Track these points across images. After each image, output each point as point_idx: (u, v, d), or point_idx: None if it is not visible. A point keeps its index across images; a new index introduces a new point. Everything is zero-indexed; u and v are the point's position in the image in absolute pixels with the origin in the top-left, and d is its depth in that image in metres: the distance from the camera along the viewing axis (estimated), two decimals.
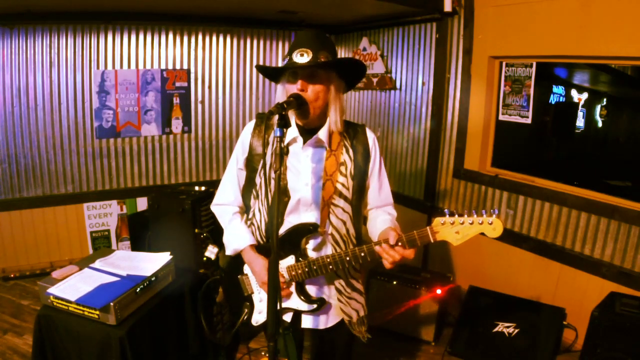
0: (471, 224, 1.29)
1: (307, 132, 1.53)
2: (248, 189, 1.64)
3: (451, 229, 1.31)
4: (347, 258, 1.45)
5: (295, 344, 1.81)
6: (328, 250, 1.57)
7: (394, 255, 1.35)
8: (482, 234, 1.29)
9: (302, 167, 1.53)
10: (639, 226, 2.46)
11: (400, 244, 1.35)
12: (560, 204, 2.82)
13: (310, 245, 1.57)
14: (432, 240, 1.33)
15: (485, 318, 2.71)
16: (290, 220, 1.56)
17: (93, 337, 1.82)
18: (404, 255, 1.35)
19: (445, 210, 1.32)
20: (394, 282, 2.92)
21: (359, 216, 1.62)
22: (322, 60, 1.41)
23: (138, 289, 1.95)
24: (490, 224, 1.27)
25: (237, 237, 1.62)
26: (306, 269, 1.51)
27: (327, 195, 1.53)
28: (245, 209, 1.70)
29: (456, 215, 1.30)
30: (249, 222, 1.67)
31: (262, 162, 1.55)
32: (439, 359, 2.71)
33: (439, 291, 2.82)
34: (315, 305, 1.56)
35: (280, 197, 1.53)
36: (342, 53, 4.62)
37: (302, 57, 1.41)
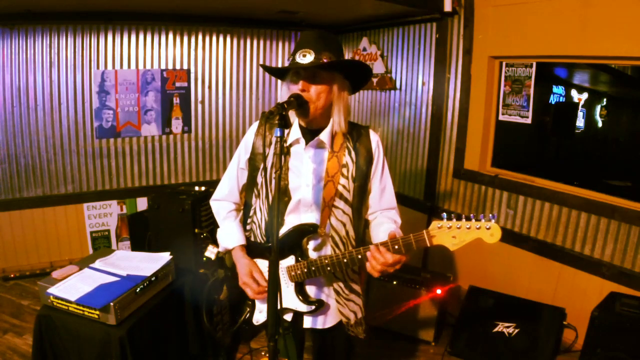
0: (468, 229, 1.27)
1: (310, 133, 1.53)
2: (250, 187, 1.65)
3: (448, 234, 1.29)
4: (345, 260, 1.45)
5: (296, 343, 1.81)
6: (328, 251, 1.57)
7: (379, 259, 1.34)
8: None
9: (304, 167, 1.53)
10: (639, 226, 2.46)
11: (396, 247, 1.34)
12: (560, 204, 2.82)
13: (311, 245, 1.57)
14: (428, 245, 1.31)
15: (485, 318, 2.71)
16: (289, 221, 1.56)
17: (93, 337, 1.82)
18: (392, 261, 1.34)
19: (443, 214, 1.30)
20: (394, 282, 2.92)
21: (360, 219, 1.61)
22: (324, 61, 1.41)
23: (138, 289, 1.95)
24: (488, 229, 1.25)
25: (228, 236, 1.65)
26: (305, 270, 1.51)
27: (328, 196, 1.52)
28: (247, 208, 1.71)
29: (454, 220, 1.28)
30: (249, 220, 1.67)
31: (263, 160, 1.55)
32: (439, 359, 2.71)
33: (439, 291, 2.82)
34: (313, 307, 1.56)
35: (281, 197, 1.53)
36: None
37: (304, 58, 1.41)
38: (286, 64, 1.53)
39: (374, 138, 1.61)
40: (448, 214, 1.30)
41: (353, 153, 1.55)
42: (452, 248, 1.30)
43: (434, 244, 1.31)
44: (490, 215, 1.26)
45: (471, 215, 1.28)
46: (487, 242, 1.26)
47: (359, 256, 1.42)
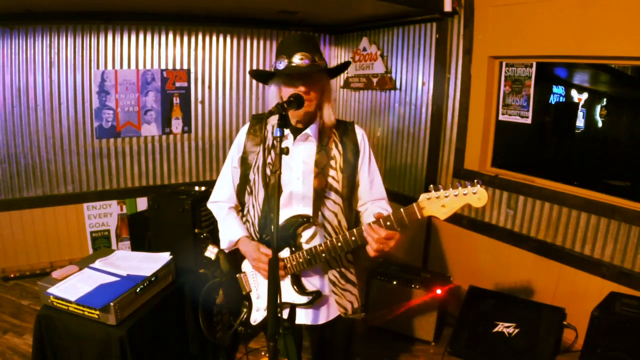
0: (456, 196, 1.29)
1: (297, 129, 1.60)
2: (242, 186, 1.70)
3: (437, 203, 1.31)
4: (339, 244, 1.48)
5: (295, 343, 1.81)
6: (321, 241, 1.59)
7: (373, 235, 1.36)
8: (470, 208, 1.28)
9: (294, 162, 1.58)
10: (639, 226, 2.46)
11: (388, 223, 1.36)
12: (560, 204, 2.82)
13: (304, 237, 1.60)
14: (419, 217, 1.33)
15: (485, 318, 2.71)
16: (282, 214, 1.59)
17: (93, 337, 1.82)
18: (385, 235, 1.35)
19: (430, 185, 1.33)
20: (394, 282, 2.92)
21: (350, 209, 1.66)
22: (319, 62, 1.49)
23: (138, 289, 1.95)
24: (475, 193, 1.27)
25: (232, 229, 1.68)
26: (301, 260, 1.54)
27: (318, 188, 1.57)
28: (241, 206, 1.73)
29: (441, 190, 1.31)
30: (244, 219, 1.72)
31: (255, 158, 1.62)
32: (439, 359, 2.71)
33: (439, 291, 2.82)
34: (311, 297, 1.58)
35: (273, 192, 1.55)
36: (342, 53, 4.62)
37: (302, 61, 1.46)
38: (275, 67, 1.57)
39: (359, 132, 1.68)
40: (435, 186, 1.32)
41: (340, 146, 1.62)
42: (443, 217, 1.32)
43: (424, 215, 1.33)
44: (476, 180, 1.29)
45: (457, 183, 1.30)
46: (475, 205, 1.29)
47: (353, 238, 1.45)
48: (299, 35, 1.54)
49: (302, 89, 1.47)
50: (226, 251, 1.72)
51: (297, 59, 1.46)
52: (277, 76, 1.54)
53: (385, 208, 1.65)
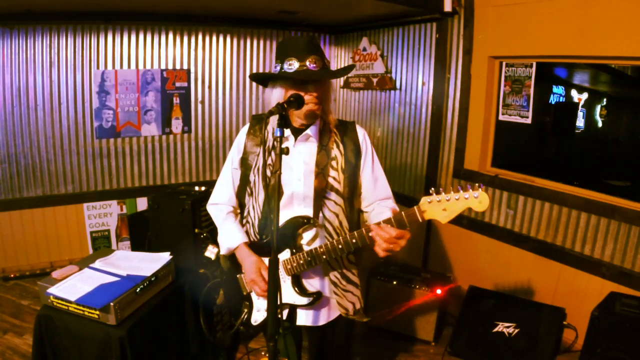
0: (457, 199, 1.28)
1: (298, 130, 1.59)
2: (243, 187, 1.69)
3: (438, 207, 1.30)
4: (340, 246, 1.47)
5: (295, 343, 1.81)
6: (322, 242, 1.58)
7: (383, 235, 1.35)
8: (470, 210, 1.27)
9: (294, 162, 1.57)
10: (639, 226, 2.46)
11: (390, 224, 1.35)
12: (560, 204, 2.82)
13: (305, 238, 1.59)
14: (420, 220, 1.32)
15: (485, 318, 2.71)
16: (283, 215, 1.58)
17: (93, 337, 1.82)
18: (395, 234, 1.33)
19: (431, 188, 1.32)
20: (394, 282, 2.92)
21: (352, 209, 1.64)
22: (328, 66, 1.50)
23: (138, 289, 1.95)
24: (476, 197, 1.26)
25: (230, 235, 1.67)
26: (301, 261, 1.54)
27: (319, 188, 1.56)
28: (241, 207, 1.72)
29: (442, 193, 1.30)
30: (244, 220, 1.70)
31: (256, 159, 1.61)
32: (439, 359, 2.71)
33: (439, 291, 2.82)
34: (311, 299, 1.57)
35: (273, 193, 1.55)
36: (342, 53, 4.62)
37: (314, 65, 1.47)
38: (275, 69, 1.56)
39: (360, 131, 1.67)
40: (436, 189, 1.31)
41: (341, 146, 1.61)
42: (444, 221, 1.31)
43: (425, 219, 1.32)
44: (477, 184, 1.28)
45: (459, 187, 1.29)
46: (476, 209, 1.28)
47: (353, 240, 1.44)
48: (306, 38, 1.54)
49: (314, 93, 1.48)
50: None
51: (310, 63, 1.46)
52: (282, 78, 1.51)
53: (393, 207, 1.63)
